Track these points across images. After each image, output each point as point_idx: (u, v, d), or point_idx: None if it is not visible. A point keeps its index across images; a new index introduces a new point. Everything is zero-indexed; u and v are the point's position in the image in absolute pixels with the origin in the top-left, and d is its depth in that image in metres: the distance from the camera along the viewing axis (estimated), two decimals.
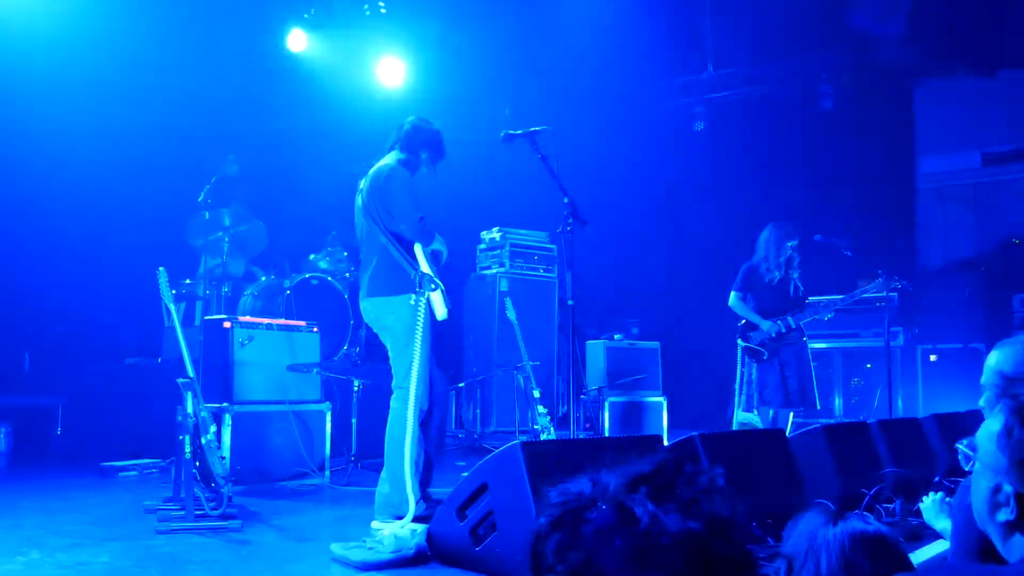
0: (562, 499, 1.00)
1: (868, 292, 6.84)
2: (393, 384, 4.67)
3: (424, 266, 4.58)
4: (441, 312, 4.58)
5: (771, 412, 6.70)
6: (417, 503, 4.37)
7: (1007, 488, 1.35)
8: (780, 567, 1.98)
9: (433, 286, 4.53)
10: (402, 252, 4.62)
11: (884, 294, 6.93)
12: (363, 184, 4.82)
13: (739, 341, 6.88)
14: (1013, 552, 1.47)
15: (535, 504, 3.11)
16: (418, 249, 4.62)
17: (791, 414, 6.72)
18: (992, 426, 1.39)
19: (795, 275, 6.78)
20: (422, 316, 4.48)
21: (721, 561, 0.95)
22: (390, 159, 4.84)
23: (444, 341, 4.89)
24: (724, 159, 10.86)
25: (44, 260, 8.37)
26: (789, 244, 6.71)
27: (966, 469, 1.66)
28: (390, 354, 4.70)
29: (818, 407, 6.86)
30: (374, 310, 4.72)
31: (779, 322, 6.64)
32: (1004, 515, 1.36)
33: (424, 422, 4.60)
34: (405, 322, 4.52)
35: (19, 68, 8.16)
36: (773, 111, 10.63)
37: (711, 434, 4.03)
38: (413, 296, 4.50)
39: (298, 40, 9.63)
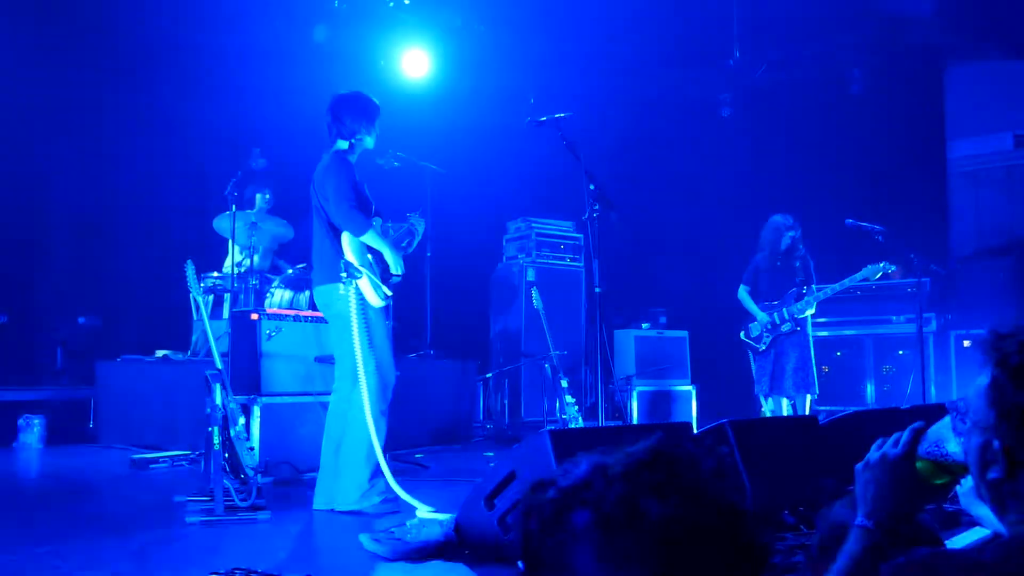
0: (557, 491, 0.98)
1: (869, 279, 6.76)
2: (336, 373, 4.62)
3: (348, 254, 4.50)
4: (372, 299, 4.52)
5: (784, 400, 6.89)
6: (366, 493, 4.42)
7: (995, 444, 1.31)
8: (811, 551, 1.95)
9: (359, 274, 4.46)
10: (333, 241, 4.56)
11: (883, 280, 6.98)
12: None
13: (741, 334, 7.15)
14: (989, 513, 1.43)
15: None
16: (345, 237, 4.54)
17: (808, 399, 6.85)
18: (980, 381, 1.34)
19: (798, 264, 6.92)
20: (354, 304, 4.43)
21: (732, 552, 0.93)
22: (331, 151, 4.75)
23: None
24: (751, 145, 10.73)
25: (75, 256, 8.46)
26: (788, 235, 6.90)
27: (957, 433, 1.60)
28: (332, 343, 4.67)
29: (816, 394, 6.89)
30: (318, 298, 4.70)
31: (774, 314, 6.84)
32: (994, 472, 1.32)
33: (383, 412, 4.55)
34: (337, 311, 4.50)
35: None
36: (801, 96, 10.49)
37: (741, 421, 3.97)
38: (340, 285, 4.47)
39: (324, 33, 9.64)
